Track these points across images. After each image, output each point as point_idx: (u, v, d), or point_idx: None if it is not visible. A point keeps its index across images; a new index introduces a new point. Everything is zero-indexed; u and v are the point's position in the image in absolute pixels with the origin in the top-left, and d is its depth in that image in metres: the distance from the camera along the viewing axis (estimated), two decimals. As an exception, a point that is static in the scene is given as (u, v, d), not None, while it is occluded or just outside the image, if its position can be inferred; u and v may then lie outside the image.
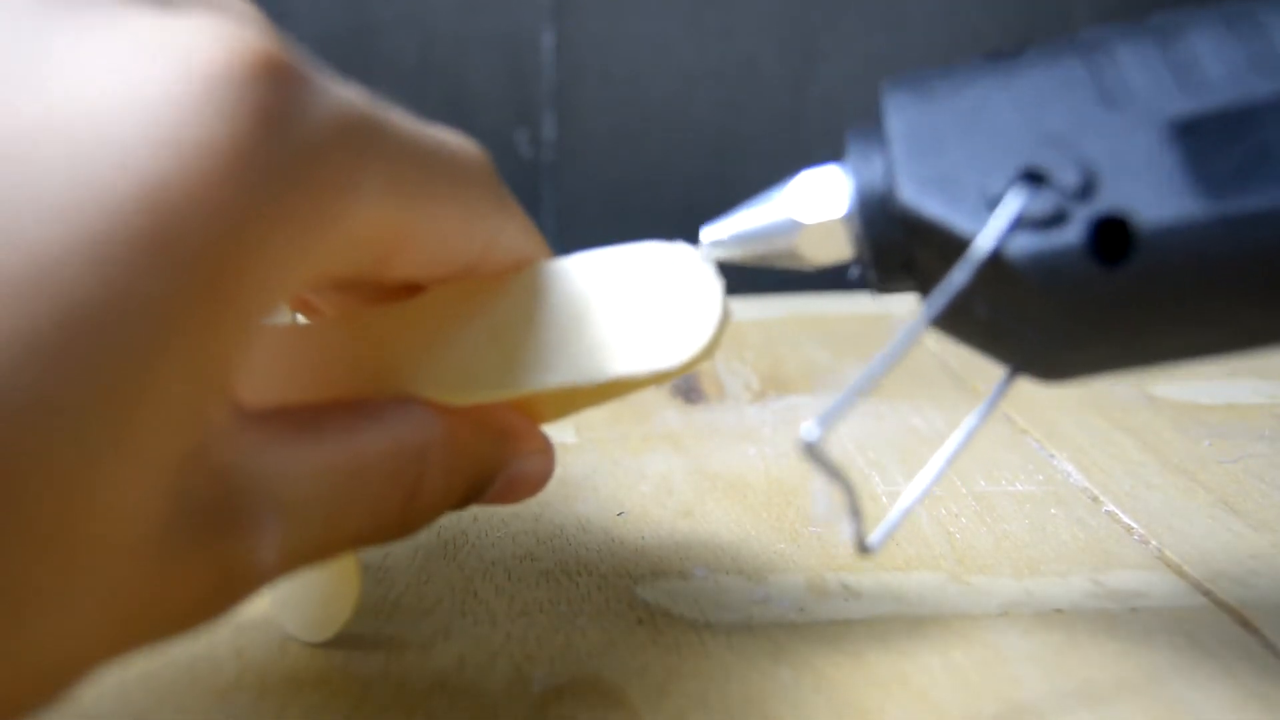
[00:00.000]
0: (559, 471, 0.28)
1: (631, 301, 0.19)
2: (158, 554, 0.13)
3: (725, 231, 0.19)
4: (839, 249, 0.19)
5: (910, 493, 0.19)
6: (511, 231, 0.18)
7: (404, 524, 0.17)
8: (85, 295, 0.11)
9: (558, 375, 0.18)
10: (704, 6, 0.49)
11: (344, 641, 0.21)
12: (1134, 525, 0.26)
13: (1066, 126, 0.17)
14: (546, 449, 0.20)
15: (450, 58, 0.48)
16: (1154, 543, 0.25)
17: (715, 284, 0.18)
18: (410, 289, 0.20)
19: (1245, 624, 0.21)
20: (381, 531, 0.17)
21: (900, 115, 0.18)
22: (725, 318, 0.18)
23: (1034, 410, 0.32)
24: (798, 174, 0.19)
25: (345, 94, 0.14)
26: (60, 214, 0.11)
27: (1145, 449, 0.30)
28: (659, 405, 0.33)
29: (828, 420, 0.16)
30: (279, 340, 0.20)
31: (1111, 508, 0.27)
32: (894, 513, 0.19)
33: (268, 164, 0.13)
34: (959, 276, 0.16)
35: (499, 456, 0.19)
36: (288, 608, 0.21)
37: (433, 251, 0.17)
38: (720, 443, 0.30)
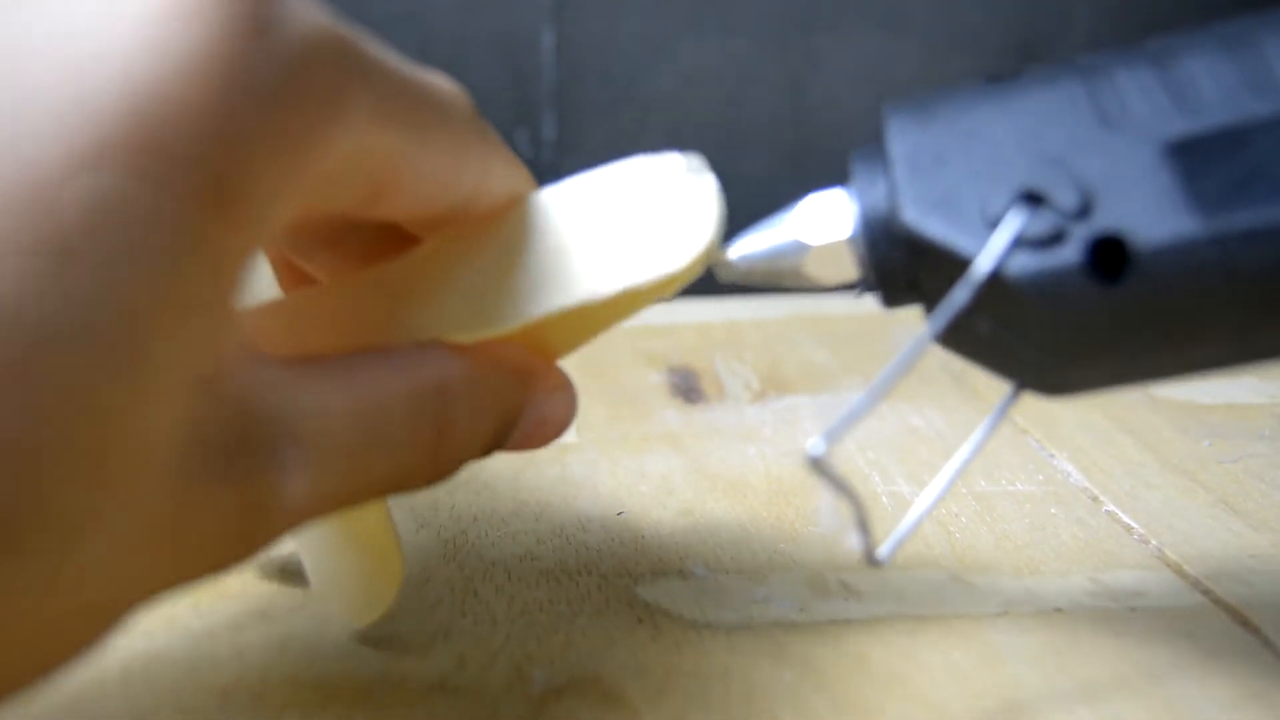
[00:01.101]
0: (559, 471, 0.28)
1: (629, 215, 0.19)
2: (180, 482, 0.13)
3: (734, 254, 0.20)
4: (845, 270, 0.19)
5: (919, 504, 0.19)
6: (500, 168, 0.19)
7: (435, 466, 0.17)
8: (85, 208, 0.11)
9: (566, 297, 0.18)
10: (704, 6, 0.49)
11: (344, 641, 0.21)
12: (1134, 525, 0.26)
13: (1065, 147, 0.17)
14: (567, 386, 0.20)
15: (450, 58, 0.48)
16: (1154, 542, 0.25)
17: (709, 184, 0.19)
18: (401, 243, 0.20)
19: (1245, 623, 0.21)
20: (413, 474, 0.17)
21: (902, 138, 0.18)
22: (722, 215, 0.19)
23: (1034, 410, 0.32)
24: (804, 198, 0.19)
25: (326, 16, 0.14)
26: (57, 127, 0.11)
27: (1145, 449, 0.30)
28: (659, 405, 0.33)
29: (833, 435, 0.16)
30: (285, 309, 0.20)
31: (1111, 508, 0.27)
32: (903, 525, 0.19)
33: (257, 72, 0.13)
34: (961, 295, 0.17)
35: (522, 394, 0.19)
36: (332, 589, 0.21)
37: (422, 188, 0.17)
38: (720, 443, 0.30)
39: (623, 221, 0.19)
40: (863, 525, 0.18)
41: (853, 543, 0.18)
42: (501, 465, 0.28)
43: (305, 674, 0.20)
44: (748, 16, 0.49)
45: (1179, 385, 0.35)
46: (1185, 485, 0.28)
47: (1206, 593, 0.23)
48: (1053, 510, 0.26)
